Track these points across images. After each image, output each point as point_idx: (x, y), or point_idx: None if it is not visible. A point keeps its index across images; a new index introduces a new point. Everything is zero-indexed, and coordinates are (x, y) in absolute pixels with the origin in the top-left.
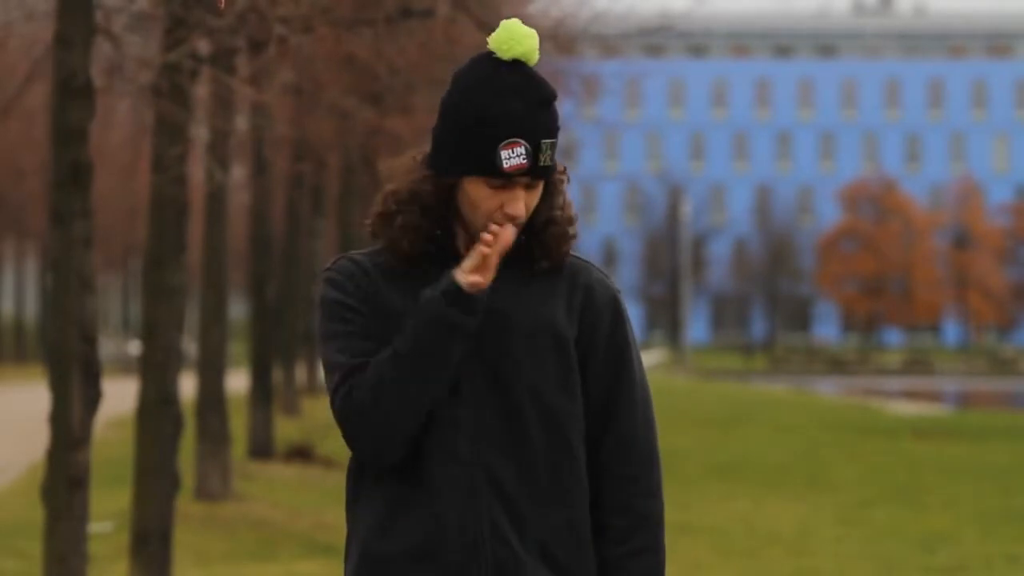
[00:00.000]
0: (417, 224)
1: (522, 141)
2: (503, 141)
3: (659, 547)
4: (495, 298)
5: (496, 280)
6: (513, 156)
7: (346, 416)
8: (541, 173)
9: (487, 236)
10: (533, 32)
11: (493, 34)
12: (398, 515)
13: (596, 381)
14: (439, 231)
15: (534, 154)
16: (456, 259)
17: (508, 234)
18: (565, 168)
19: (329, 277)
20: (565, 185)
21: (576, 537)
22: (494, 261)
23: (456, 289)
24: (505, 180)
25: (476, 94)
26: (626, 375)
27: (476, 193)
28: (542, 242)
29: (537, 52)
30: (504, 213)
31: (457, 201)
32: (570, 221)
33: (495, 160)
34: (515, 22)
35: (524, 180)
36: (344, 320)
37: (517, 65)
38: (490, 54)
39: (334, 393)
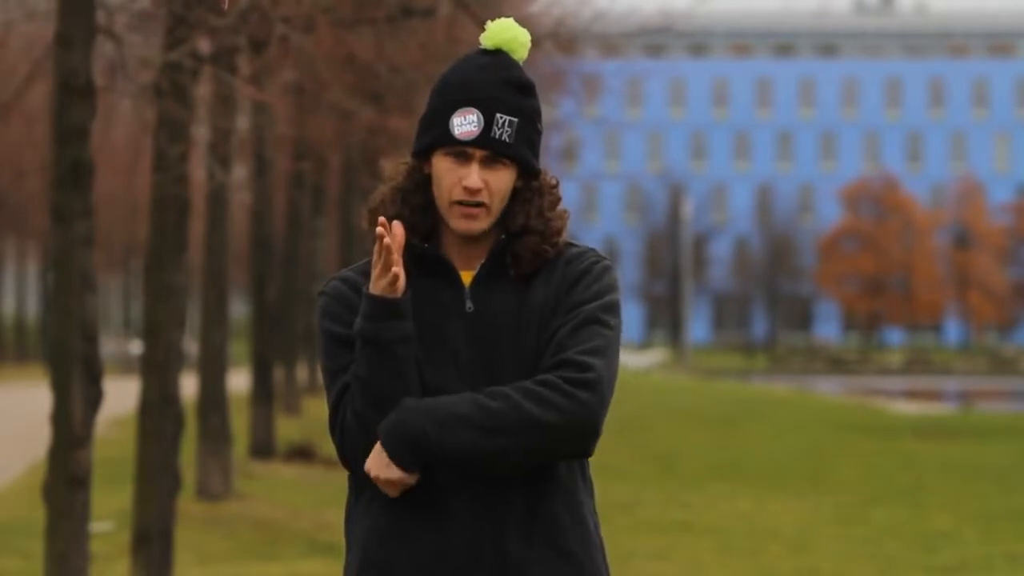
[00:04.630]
0: (398, 213)
1: (474, 109)
2: (457, 108)
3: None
4: (484, 304)
5: (485, 286)
6: (464, 123)
7: (342, 449)
8: (496, 147)
9: (379, 231)
10: (523, 29)
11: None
12: (401, 523)
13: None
14: (426, 243)
15: (487, 124)
16: (447, 266)
17: (398, 231)
18: (558, 182)
19: (322, 304)
20: (549, 197)
21: (583, 529)
22: (395, 259)
23: (371, 303)
24: (461, 149)
25: (448, 73)
26: (578, 312)
27: (439, 169)
28: (515, 251)
29: (523, 48)
30: (462, 186)
31: (434, 193)
32: (555, 232)
33: (448, 128)
34: (508, 20)
35: (480, 153)
36: (337, 356)
37: (496, 52)
38: (479, 46)
39: (331, 429)
